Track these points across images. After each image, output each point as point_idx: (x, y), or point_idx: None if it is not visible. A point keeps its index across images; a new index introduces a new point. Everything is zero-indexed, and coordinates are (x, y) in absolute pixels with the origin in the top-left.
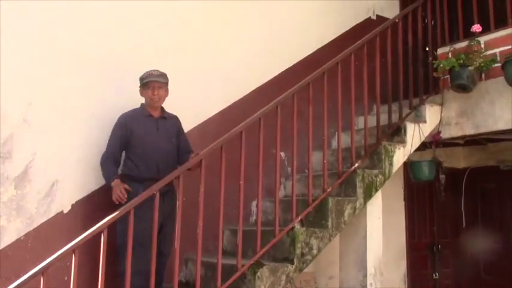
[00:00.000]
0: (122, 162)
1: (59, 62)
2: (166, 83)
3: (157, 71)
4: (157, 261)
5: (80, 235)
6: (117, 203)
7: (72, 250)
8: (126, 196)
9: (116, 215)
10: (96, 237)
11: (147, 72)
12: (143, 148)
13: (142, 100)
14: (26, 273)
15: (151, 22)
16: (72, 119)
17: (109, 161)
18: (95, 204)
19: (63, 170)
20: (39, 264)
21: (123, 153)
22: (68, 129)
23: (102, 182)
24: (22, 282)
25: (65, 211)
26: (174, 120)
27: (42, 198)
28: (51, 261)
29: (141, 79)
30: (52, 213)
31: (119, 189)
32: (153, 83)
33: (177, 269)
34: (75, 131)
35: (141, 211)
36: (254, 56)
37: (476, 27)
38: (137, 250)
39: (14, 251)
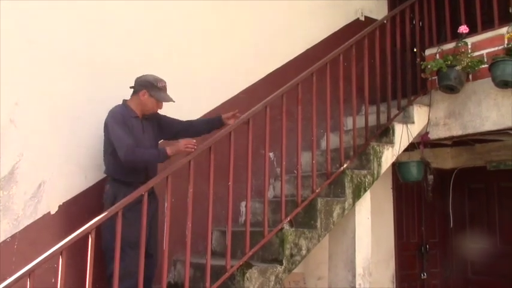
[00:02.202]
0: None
1: (46, 63)
2: None
3: (164, 81)
4: (147, 264)
5: (68, 236)
6: (192, 150)
7: (60, 251)
8: (193, 142)
9: (104, 216)
10: (83, 238)
11: (161, 81)
12: None
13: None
14: (12, 275)
15: (139, 24)
16: (59, 119)
17: (138, 148)
18: (82, 205)
19: (50, 170)
20: (26, 266)
21: (109, 156)
22: (55, 129)
23: (90, 183)
24: (8, 284)
25: (52, 212)
26: (153, 119)
27: (29, 199)
28: (38, 262)
29: (157, 88)
30: (39, 215)
31: (183, 142)
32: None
33: (165, 270)
34: (62, 132)
35: (129, 213)
36: (242, 57)
37: (463, 28)
38: (126, 253)
39: (0, 252)
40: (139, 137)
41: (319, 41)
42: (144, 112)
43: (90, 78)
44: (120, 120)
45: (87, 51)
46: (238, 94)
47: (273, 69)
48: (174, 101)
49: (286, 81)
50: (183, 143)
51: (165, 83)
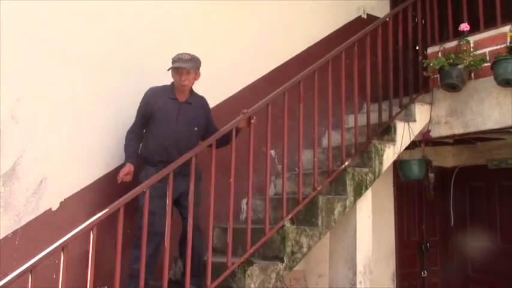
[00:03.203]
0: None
1: (48, 58)
2: (197, 67)
3: (188, 54)
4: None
5: (69, 233)
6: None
7: (61, 248)
8: (121, 180)
9: (105, 213)
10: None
11: (178, 54)
12: (159, 132)
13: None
14: (14, 271)
15: (139, 23)
16: (61, 115)
17: (131, 138)
18: (83, 201)
19: (52, 167)
20: (28, 262)
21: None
22: (57, 125)
23: (92, 179)
24: (10, 280)
25: (54, 208)
26: (199, 105)
27: (30, 196)
28: (39, 259)
29: (172, 61)
30: (40, 211)
31: (123, 174)
32: (182, 69)
33: (166, 267)
34: (63, 128)
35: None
36: (243, 56)
37: (464, 26)
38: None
39: (1, 248)
40: (168, 118)
41: (320, 39)
42: (179, 89)
43: (91, 74)
44: (141, 101)
45: (88, 48)
46: (238, 92)
47: (274, 68)
48: (178, 67)
49: (287, 80)
50: (121, 175)
51: (180, 54)
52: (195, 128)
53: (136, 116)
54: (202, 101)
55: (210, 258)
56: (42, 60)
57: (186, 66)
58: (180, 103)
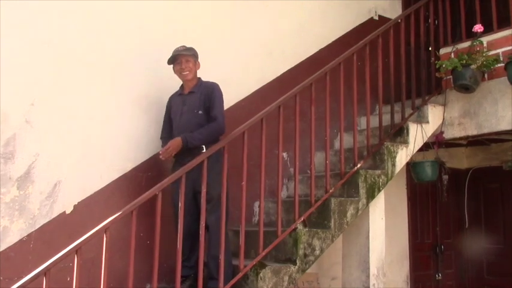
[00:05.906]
0: None
1: (61, 63)
2: (194, 55)
3: (183, 46)
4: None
5: (83, 235)
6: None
7: (75, 250)
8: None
9: (119, 215)
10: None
11: (173, 51)
12: (174, 127)
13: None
14: (28, 274)
15: (150, 23)
16: (74, 120)
17: (162, 141)
18: (97, 204)
19: (66, 170)
20: (42, 265)
21: None
22: (70, 129)
23: (105, 182)
24: (25, 283)
25: (68, 212)
26: (205, 91)
27: (44, 199)
28: (53, 261)
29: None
30: (54, 214)
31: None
32: (181, 57)
33: (179, 269)
34: (77, 132)
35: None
36: (254, 58)
37: (478, 27)
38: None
39: (16, 251)
40: (176, 113)
41: (332, 40)
42: (183, 80)
43: (104, 78)
44: (166, 109)
45: (102, 51)
46: (250, 95)
47: (286, 70)
48: (176, 55)
49: (299, 82)
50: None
51: (175, 49)
52: (200, 112)
53: (163, 120)
54: (208, 86)
55: (222, 260)
56: (56, 64)
57: (185, 53)
58: (185, 95)
